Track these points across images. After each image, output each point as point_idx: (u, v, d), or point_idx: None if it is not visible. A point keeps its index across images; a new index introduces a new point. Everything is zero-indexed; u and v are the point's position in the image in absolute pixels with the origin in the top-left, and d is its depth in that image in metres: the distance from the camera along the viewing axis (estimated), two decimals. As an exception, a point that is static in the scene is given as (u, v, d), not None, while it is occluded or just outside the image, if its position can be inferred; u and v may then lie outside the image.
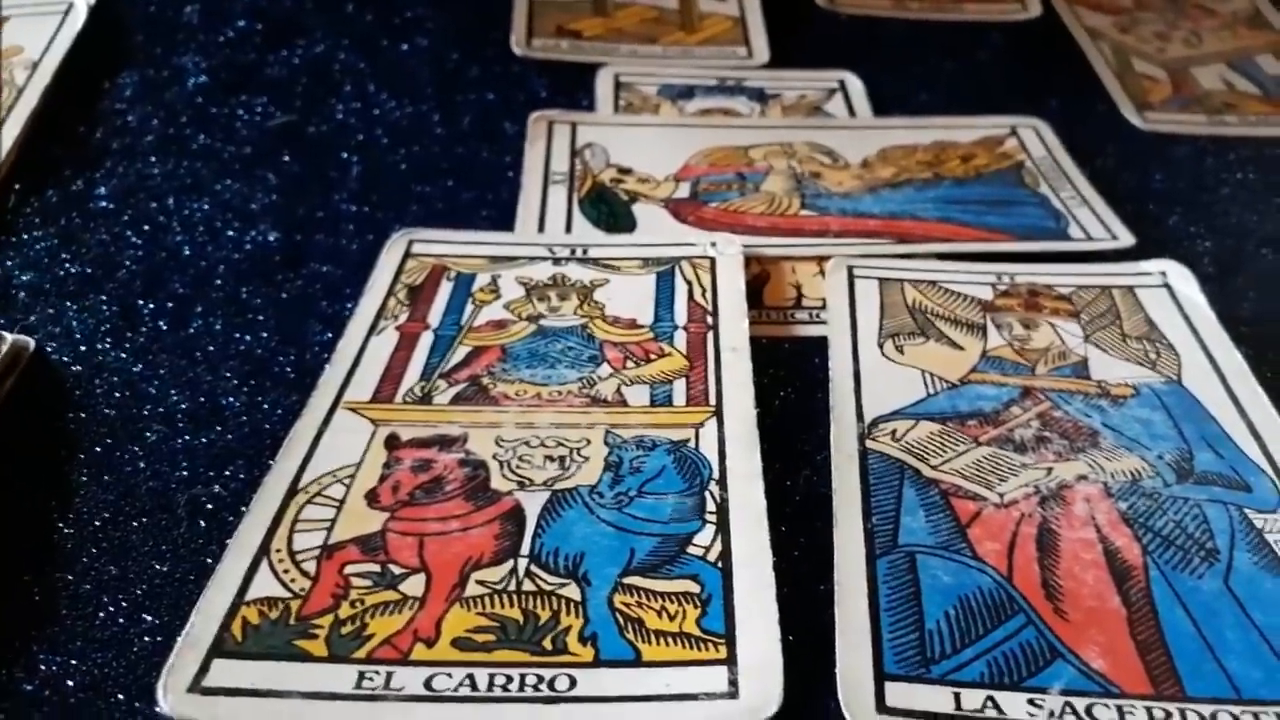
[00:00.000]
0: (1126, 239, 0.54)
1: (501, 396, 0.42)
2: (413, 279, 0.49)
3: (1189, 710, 0.32)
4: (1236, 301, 0.51)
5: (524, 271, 0.49)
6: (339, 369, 0.43)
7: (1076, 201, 0.57)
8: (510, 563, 0.35)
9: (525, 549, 0.36)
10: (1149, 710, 0.32)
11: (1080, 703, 0.32)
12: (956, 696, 0.32)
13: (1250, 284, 0.53)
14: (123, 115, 0.60)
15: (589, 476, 0.39)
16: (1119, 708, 0.32)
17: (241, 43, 0.66)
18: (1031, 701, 0.32)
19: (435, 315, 0.47)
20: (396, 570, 0.35)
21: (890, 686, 0.32)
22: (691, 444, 0.40)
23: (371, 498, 0.38)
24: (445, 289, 0.48)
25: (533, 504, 0.38)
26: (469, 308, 0.47)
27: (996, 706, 0.31)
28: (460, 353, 0.45)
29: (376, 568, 0.35)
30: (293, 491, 0.38)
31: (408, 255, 0.50)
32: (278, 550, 0.36)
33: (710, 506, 0.38)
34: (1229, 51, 0.73)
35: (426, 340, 0.45)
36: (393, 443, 0.40)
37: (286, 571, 0.35)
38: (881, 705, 0.31)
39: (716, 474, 0.39)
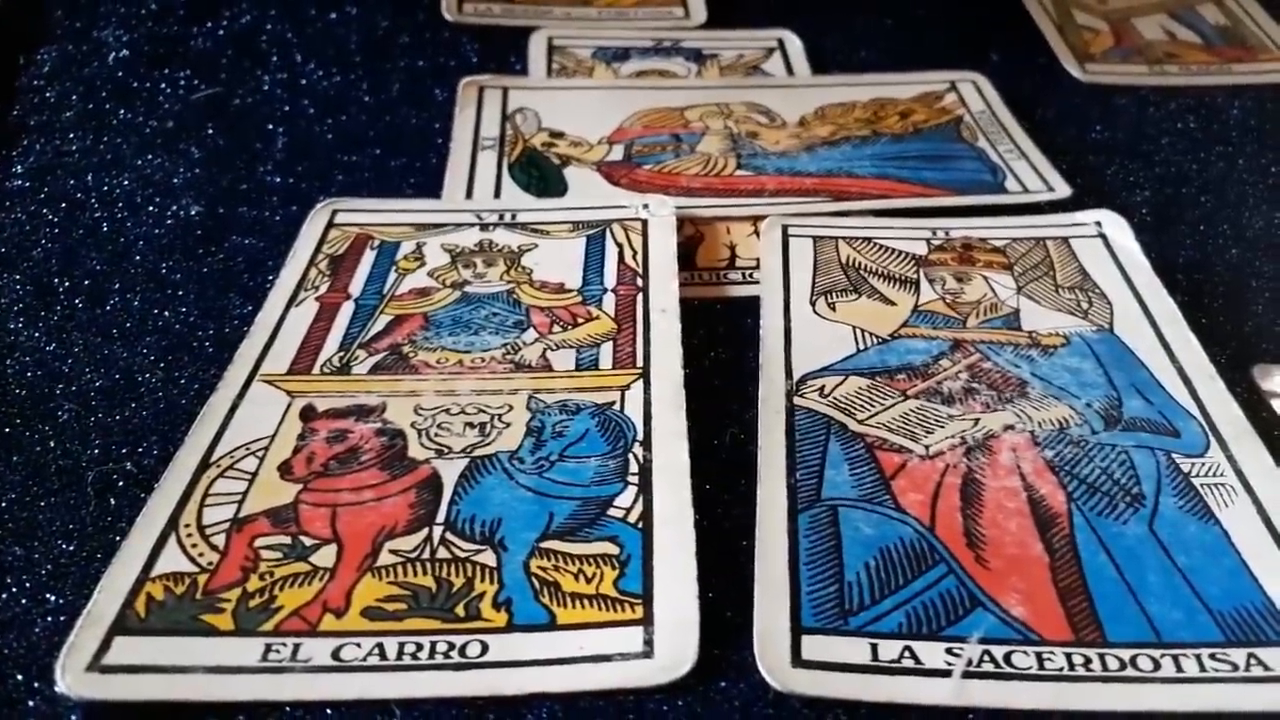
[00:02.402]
0: (1063, 190, 0.53)
1: (422, 365, 0.42)
2: (335, 249, 0.48)
3: (1108, 655, 0.31)
4: (1174, 249, 0.51)
5: (450, 238, 0.48)
6: (256, 341, 0.42)
7: (1014, 155, 0.56)
8: (425, 531, 0.35)
9: (441, 517, 0.35)
10: (1068, 656, 0.31)
11: (999, 650, 0.31)
12: (873, 647, 0.31)
13: (1188, 232, 0.52)
14: (41, 91, 0.58)
15: (510, 442, 0.38)
16: (1038, 654, 0.31)
17: (164, 15, 0.64)
18: (950, 650, 0.31)
19: (357, 285, 0.46)
20: (308, 542, 0.34)
21: (807, 640, 0.31)
22: (617, 406, 0.40)
23: (285, 469, 0.37)
24: (368, 258, 0.47)
25: (451, 472, 0.37)
26: (392, 276, 0.46)
27: (914, 656, 0.31)
28: (381, 322, 0.44)
29: (287, 540, 0.34)
30: (204, 465, 0.37)
31: (331, 225, 0.49)
32: (186, 525, 0.35)
33: (633, 468, 0.37)
34: (1170, 1, 0.72)
35: (347, 310, 0.44)
36: (308, 414, 0.39)
37: (195, 546, 0.34)
38: (797, 659, 0.31)
39: (641, 435, 0.38)
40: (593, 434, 0.39)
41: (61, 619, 0.33)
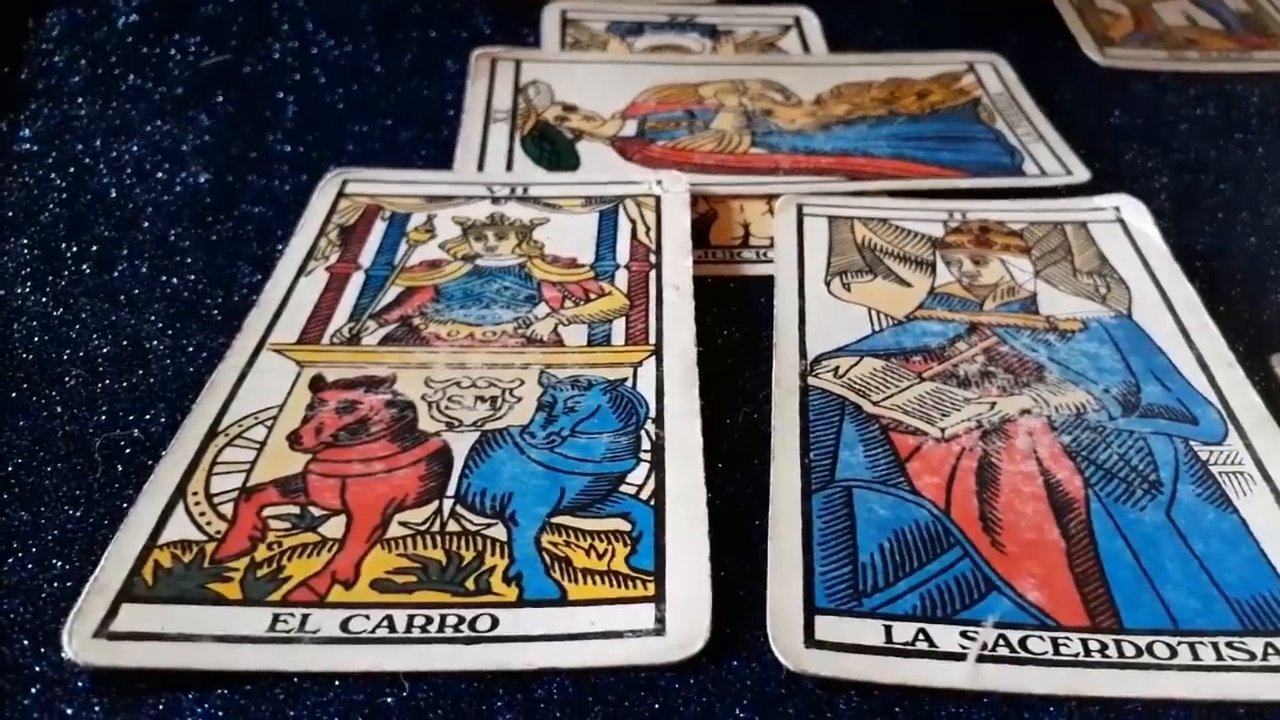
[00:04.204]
0: (1082, 174, 0.53)
1: (433, 337, 0.41)
2: (345, 219, 0.47)
3: (1124, 641, 0.31)
4: (1193, 236, 0.50)
5: (461, 211, 0.48)
6: (265, 310, 0.42)
7: (1032, 138, 0.55)
8: (435, 504, 0.34)
9: (451, 490, 0.35)
10: (1084, 642, 0.31)
11: (1015, 635, 0.31)
12: (888, 629, 0.31)
13: (1207, 218, 0.52)
14: (49, 56, 0.58)
15: (521, 417, 0.38)
16: (1054, 640, 0.31)
17: (175, -20, 0.63)
18: (965, 634, 0.31)
19: (367, 256, 0.45)
20: (317, 512, 0.34)
21: (820, 620, 0.31)
22: (629, 383, 0.39)
23: (294, 439, 0.36)
24: (379, 229, 0.47)
25: (461, 445, 0.36)
26: (403, 248, 0.46)
27: (928, 639, 0.31)
28: (391, 293, 0.43)
29: (296, 510, 0.34)
30: (212, 433, 0.36)
31: (341, 195, 0.48)
32: (194, 493, 0.34)
33: (645, 445, 0.37)
34: (1192, -14, 0.71)
35: (357, 281, 0.44)
36: (318, 384, 0.39)
37: (202, 514, 0.34)
38: (810, 639, 0.30)
39: (653, 412, 0.38)
40: (604, 410, 0.38)
41: (68, 585, 0.32)
